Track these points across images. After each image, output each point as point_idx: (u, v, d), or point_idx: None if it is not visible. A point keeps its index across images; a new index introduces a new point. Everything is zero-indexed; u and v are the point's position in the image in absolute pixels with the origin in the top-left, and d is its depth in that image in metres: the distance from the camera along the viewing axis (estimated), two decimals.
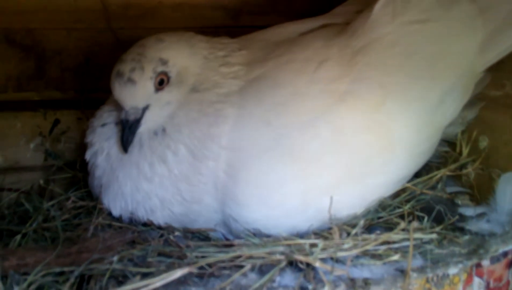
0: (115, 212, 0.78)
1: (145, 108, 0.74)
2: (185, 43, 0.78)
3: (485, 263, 0.64)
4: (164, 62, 0.74)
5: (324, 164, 0.72)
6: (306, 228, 0.72)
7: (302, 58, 0.77)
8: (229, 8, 1.08)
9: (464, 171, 0.82)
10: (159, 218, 0.76)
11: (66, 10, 0.99)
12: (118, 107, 0.78)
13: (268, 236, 0.71)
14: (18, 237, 0.74)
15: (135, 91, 0.72)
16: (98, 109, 0.86)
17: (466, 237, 0.70)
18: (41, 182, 0.92)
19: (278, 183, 0.72)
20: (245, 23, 1.09)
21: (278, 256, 0.59)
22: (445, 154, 0.86)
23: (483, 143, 0.83)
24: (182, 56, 0.76)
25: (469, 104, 0.82)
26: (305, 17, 0.93)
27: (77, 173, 0.95)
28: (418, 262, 0.63)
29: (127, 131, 0.73)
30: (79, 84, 1.03)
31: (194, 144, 0.73)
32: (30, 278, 0.59)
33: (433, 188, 0.81)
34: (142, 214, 0.76)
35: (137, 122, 0.74)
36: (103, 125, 0.80)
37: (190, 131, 0.74)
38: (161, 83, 0.74)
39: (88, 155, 0.81)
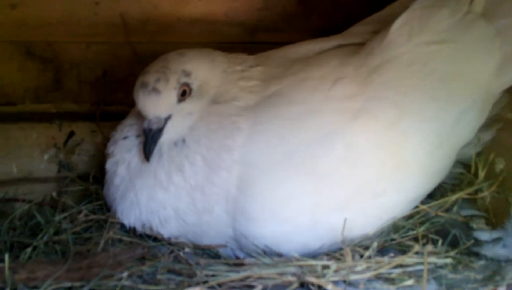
0: (128, 221, 0.78)
1: (168, 118, 0.76)
2: (205, 58, 0.81)
3: None
4: (187, 74, 0.76)
5: (335, 181, 0.72)
6: (317, 246, 0.72)
7: (318, 76, 0.77)
8: (245, 25, 1.09)
9: (480, 195, 0.80)
10: (173, 228, 0.76)
11: (86, 24, 1.01)
12: (139, 120, 0.79)
13: (278, 253, 0.71)
14: (29, 249, 0.74)
15: (159, 101, 0.74)
16: (112, 121, 0.88)
17: (482, 263, 0.68)
18: (54, 194, 0.93)
19: (288, 198, 0.72)
20: (261, 40, 1.10)
21: (290, 278, 0.58)
22: (460, 176, 0.85)
23: (500, 165, 0.82)
24: (203, 69, 0.79)
25: (485, 126, 0.81)
26: (321, 34, 0.93)
27: (89, 186, 0.95)
28: (432, 287, 0.62)
29: (150, 140, 0.75)
30: (95, 96, 1.04)
31: (210, 155, 0.74)
32: None
33: (447, 210, 0.80)
34: (156, 224, 0.77)
35: (159, 131, 0.75)
36: (125, 138, 0.82)
37: (208, 142, 0.75)
38: (184, 94, 0.76)
39: (109, 165, 0.82)
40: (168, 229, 0.77)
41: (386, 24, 0.86)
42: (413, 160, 0.74)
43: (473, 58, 0.77)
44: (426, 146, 0.75)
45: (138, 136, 0.81)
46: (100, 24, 1.02)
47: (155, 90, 0.74)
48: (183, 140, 0.77)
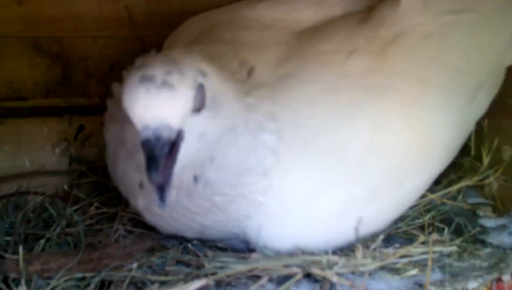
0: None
1: (180, 133, 0.52)
2: (217, 62, 0.63)
3: (506, 277, 0.62)
4: (203, 74, 0.55)
5: (365, 168, 0.66)
6: (342, 243, 0.67)
7: (328, 50, 0.70)
8: None
9: (486, 181, 0.80)
10: (186, 231, 0.70)
11: (92, 18, 1.02)
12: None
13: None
14: (42, 241, 0.75)
15: (173, 98, 0.51)
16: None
17: (487, 250, 0.68)
18: (65, 186, 0.94)
19: (313, 192, 0.65)
20: None
21: (295, 269, 0.59)
22: (463, 161, 0.84)
23: (507, 153, 0.81)
24: (216, 74, 0.59)
25: None
26: None
27: (99, 178, 0.97)
28: (437, 275, 0.62)
29: (162, 161, 0.49)
30: (103, 90, 1.05)
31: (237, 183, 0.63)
32: (53, 282, 0.61)
33: (453, 198, 0.79)
34: (174, 230, 0.70)
35: (172, 147, 0.50)
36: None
37: (236, 179, 0.62)
38: (199, 103, 0.54)
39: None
40: (185, 229, 0.69)
41: None
42: (438, 139, 0.70)
43: (489, 28, 0.74)
44: (449, 123, 0.71)
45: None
46: (106, 18, 1.02)
47: (167, 85, 0.51)
48: (206, 180, 0.59)
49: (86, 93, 1.05)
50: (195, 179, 0.59)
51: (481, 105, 0.76)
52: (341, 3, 0.81)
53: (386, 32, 0.71)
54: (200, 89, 0.54)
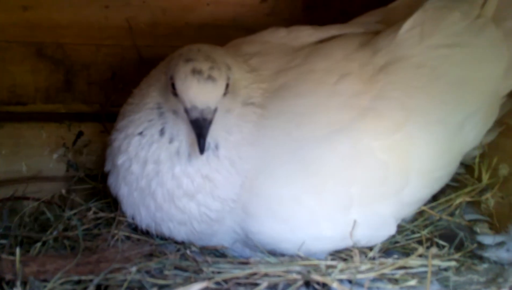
0: (133, 218, 0.77)
1: (215, 111, 0.69)
2: (231, 56, 0.77)
3: None
4: (229, 68, 0.72)
5: (338, 182, 0.72)
6: (317, 249, 0.71)
7: (323, 69, 0.76)
8: (252, 30, 1.08)
9: (483, 198, 0.81)
10: (181, 233, 0.76)
11: (97, 26, 1.03)
12: (162, 117, 0.74)
13: (282, 253, 0.70)
14: (39, 244, 0.75)
15: (215, 89, 0.69)
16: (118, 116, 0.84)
17: (485, 266, 0.69)
18: (63, 191, 0.94)
19: (290, 197, 0.71)
20: None
21: (295, 275, 0.59)
22: (462, 178, 0.85)
23: (503, 171, 0.83)
24: (234, 67, 0.75)
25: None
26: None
27: (97, 185, 0.97)
28: (435, 288, 0.62)
29: (205, 131, 0.67)
30: (104, 98, 1.05)
31: (237, 161, 0.72)
32: (49, 285, 0.60)
33: (451, 214, 0.80)
34: (166, 228, 0.76)
35: (210, 123, 0.69)
36: (140, 133, 0.75)
37: (239, 149, 0.73)
38: (226, 87, 0.71)
39: (121, 160, 0.76)
40: (175, 234, 0.76)
41: (390, 17, 0.87)
42: (417, 165, 0.74)
43: (482, 63, 0.77)
44: (430, 151, 0.74)
45: (161, 133, 0.74)
46: (110, 27, 1.04)
47: (211, 78, 0.68)
48: (217, 147, 0.72)
49: (87, 99, 1.06)
50: (208, 146, 0.71)
51: (471, 135, 0.78)
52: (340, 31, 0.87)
53: (379, 59, 0.76)
54: (228, 79, 0.71)
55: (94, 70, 1.05)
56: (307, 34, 0.85)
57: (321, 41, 0.85)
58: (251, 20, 1.10)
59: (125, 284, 0.61)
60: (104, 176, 0.92)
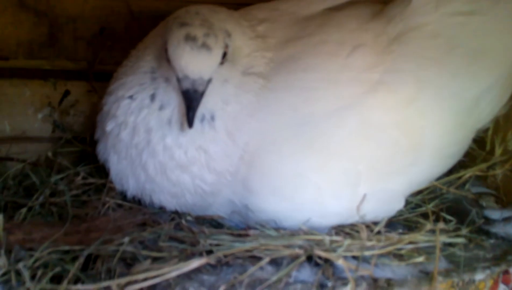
0: (123, 188, 0.75)
1: (209, 82, 0.66)
2: (235, 20, 0.73)
3: None
4: (228, 35, 0.68)
5: (346, 158, 0.69)
6: (322, 225, 0.69)
7: (335, 40, 0.72)
8: None
9: (491, 172, 0.78)
10: (172, 204, 0.73)
11: None
12: (155, 82, 0.70)
13: (283, 229, 0.68)
14: (24, 210, 0.71)
15: (209, 59, 0.64)
16: (109, 81, 0.80)
17: (492, 241, 0.67)
18: (50, 154, 0.89)
19: (295, 173, 0.68)
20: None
21: (297, 250, 0.56)
22: (470, 151, 0.83)
23: None
24: (237, 32, 0.71)
25: None
26: None
27: (86, 148, 0.92)
28: (442, 264, 0.61)
29: (195, 103, 0.64)
30: (91, 54, 0.99)
31: (234, 138, 0.69)
32: (36, 254, 0.56)
33: (457, 187, 0.78)
34: (156, 198, 0.73)
35: (201, 95, 0.65)
36: (131, 97, 0.72)
37: (235, 124, 0.69)
38: (223, 56, 0.67)
39: (110, 126, 0.73)
40: (166, 205, 0.73)
41: None
42: (429, 141, 0.71)
43: (501, 33, 0.74)
44: (443, 127, 0.72)
45: (152, 99, 0.70)
46: None
47: (206, 46, 0.64)
48: (212, 118, 0.69)
49: (73, 56, 0.99)
50: (203, 117, 0.69)
51: (485, 111, 0.75)
52: None
53: (393, 28, 0.72)
54: (226, 48, 0.67)
55: (81, 24, 0.98)
56: (318, 1, 0.81)
57: (333, 8, 0.80)
58: None
59: (118, 255, 0.58)
60: (93, 138, 0.88)
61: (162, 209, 0.75)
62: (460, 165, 0.81)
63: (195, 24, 0.65)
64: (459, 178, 0.78)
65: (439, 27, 0.72)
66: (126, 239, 0.58)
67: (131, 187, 0.74)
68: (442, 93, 0.71)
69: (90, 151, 0.89)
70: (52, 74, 0.98)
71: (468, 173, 0.77)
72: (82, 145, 0.93)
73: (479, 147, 0.83)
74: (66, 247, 0.59)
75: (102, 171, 0.83)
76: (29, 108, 0.97)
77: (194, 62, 0.64)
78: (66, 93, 0.99)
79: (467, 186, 0.78)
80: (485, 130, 0.82)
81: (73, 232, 0.61)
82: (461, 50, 0.72)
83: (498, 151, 0.79)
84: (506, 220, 0.70)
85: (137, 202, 0.76)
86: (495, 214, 0.72)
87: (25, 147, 0.95)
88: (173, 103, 0.69)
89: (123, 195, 0.76)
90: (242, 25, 0.73)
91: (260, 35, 0.74)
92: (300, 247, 0.57)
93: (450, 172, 0.79)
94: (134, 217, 0.67)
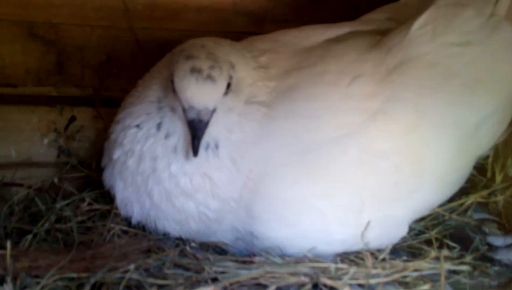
0: (128, 214, 0.75)
1: (213, 112, 0.68)
2: (238, 51, 0.75)
3: None
4: (232, 66, 0.70)
5: (348, 186, 0.70)
6: (327, 252, 0.69)
7: (336, 70, 0.74)
8: (253, 15, 1.07)
9: (493, 199, 0.79)
10: (176, 231, 0.73)
11: (92, 6, 0.98)
12: (161, 111, 0.72)
13: (287, 256, 0.68)
14: (29, 237, 0.71)
15: (214, 90, 0.66)
16: (114, 108, 0.82)
17: (496, 268, 0.67)
18: (55, 180, 0.90)
19: (297, 200, 0.69)
20: (268, 31, 1.06)
21: (303, 278, 0.56)
22: (471, 178, 0.83)
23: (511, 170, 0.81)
24: (239, 64, 0.73)
25: None
26: None
27: (91, 173, 0.93)
28: None
29: (200, 132, 0.66)
30: (98, 81, 1.01)
31: (239, 160, 0.70)
32: (43, 281, 0.56)
33: (459, 213, 0.78)
34: (161, 226, 0.73)
35: (206, 125, 0.67)
36: (137, 126, 0.73)
37: (241, 148, 0.70)
38: (228, 87, 0.69)
39: (117, 153, 0.74)
40: (170, 231, 0.73)
41: (401, 13, 0.84)
42: (431, 168, 0.72)
43: (497, 63, 0.75)
44: (445, 154, 0.72)
45: (158, 128, 0.72)
46: (106, 7, 0.99)
47: (211, 78, 0.66)
48: (216, 146, 0.70)
49: (80, 83, 1.01)
50: (207, 145, 0.70)
51: (484, 140, 0.76)
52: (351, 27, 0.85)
53: (392, 59, 0.74)
54: (230, 79, 0.69)
55: (88, 52, 1.00)
56: (318, 33, 0.83)
57: (332, 39, 0.82)
58: (252, 4, 1.07)
59: (123, 283, 0.58)
60: (98, 164, 0.89)
61: (166, 235, 0.75)
62: (461, 192, 0.81)
63: (201, 57, 0.67)
64: (461, 204, 0.79)
65: (437, 57, 0.74)
66: (132, 267, 0.58)
67: (136, 213, 0.74)
68: (442, 121, 0.72)
69: (95, 176, 0.90)
70: (59, 101, 1.00)
71: (470, 200, 0.78)
72: (87, 171, 0.94)
73: (480, 174, 0.84)
74: (72, 275, 0.59)
75: (107, 197, 0.83)
76: (35, 134, 0.98)
77: (199, 94, 0.66)
78: (72, 118, 1.01)
79: (469, 213, 0.78)
80: (485, 157, 0.83)
81: (79, 259, 0.62)
82: (459, 79, 0.73)
83: (498, 177, 0.80)
84: (509, 246, 0.70)
85: (142, 228, 0.76)
86: (498, 240, 0.72)
87: (30, 172, 0.96)
88: (179, 132, 0.71)
89: (128, 222, 0.77)
90: (245, 56, 0.76)
91: (262, 66, 0.76)
92: (306, 274, 0.57)
93: (452, 198, 0.80)
94: (139, 243, 0.67)
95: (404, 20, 0.79)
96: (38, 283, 0.57)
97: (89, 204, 0.80)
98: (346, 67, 0.74)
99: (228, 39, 0.79)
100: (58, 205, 0.79)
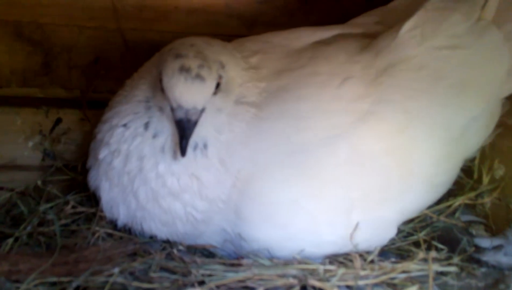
0: (113, 216, 0.74)
1: (202, 111, 0.67)
2: (229, 51, 0.75)
3: None
4: (222, 66, 0.70)
5: (338, 186, 0.70)
6: (316, 255, 0.69)
7: (326, 72, 0.74)
8: (244, 17, 1.07)
9: (480, 201, 0.79)
10: (163, 232, 0.72)
11: (80, 7, 0.97)
12: (149, 111, 0.72)
13: (276, 258, 0.67)
14: (10, 240, 0.69)
15: (203, 89, 0.66)
16: (102, 110, 0.80)
17: (483, 270, 0.67)
18: (39, 183, 0.88)
19: (286, 201, 0.69)
20: (260, 34, 1.07)
21: (291, 280, 0.55)
22: (458, 180, 0.84)
23: (499, 172, 0.81)
24: (230, 64, 0.72)
25: None
26: None
27: (76, 176, 0.91)
28: None
29: (188, 132, 0.65)
30: (85, 83, 1.00)
31: (228, 160, 0.69)
32: (23, 286, 0.55)
33: (447, 215, 0.78)
34: (147, 228, 0.72)
35: (194, 124, 0.66)
36: (124, 125, 0.72)
37: (228, 152, 0.70)
38: (217, 86, 0.68)
39: (102, 153, 0.73)
40: (157, 233, 0.73)
41: (389, 17, 0.85)
42: (419, 170, 0.72)
43: (484, 66, 0.76)
44: (433, 156, 0.73)
45: (146, 127, 0.71)
46: (95, 8, 0.97)
47: (200, 77, 0.65)
48: (205, 146, 0.70)
49: (66, 84, 1.00)
50: (196, 145, 0.69)
51: (471, 142, 0.77)
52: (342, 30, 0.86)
53: (381, 61, 0.74)
54: (219, 78, 0.68)
55: (76, 53, 0.99)
56: (309, 35, 0.83)
57: (323, 42, 0.82)
58: (243, 7, 1.06)
59: (107, 287, 0.57)
60: (84, 167, 0.87)
61: (153, 238, 0.74)
62: (449, 194, 0.82)
63: (190, 56, 0.67)
64: (449, 206, 0.79)
65: (425, 59, 0.74)
66: (116, 270, 0.57)
67: (122, 215, 0.73)
68: (430, 122, 0.73)
69: (81, 179, 0.88)
70: (45, 102, 0.99)
71: (457, 202, 0.78)
72: (72, 173, 0.93)
73: (467, 176, 0.84)
74: (54, 279, 0.58)
75: (92, 200, 0.82)
76: (20, 136, 0.97)
77: (188, 93, 0.65)
78: (58, 121, 0.99)
79: (457, 215, 0.78)
80: (472, 159, 0.83)
81: (61, 263, 0.60)
82: (447, 82, 0.74)
83: (485, 179, 0.81)
84: (496, 248, 0.70)
85: (128, 231, 0.75)
86: (485, 242, 0.72)
87: (13, 175, 0.95)
88: (167, 132, 0.70)
89: (113, 225, 0.75)
90: (235, 57, 0.75)
91: (253, 66, 0.76)
92: (294, 276, 0.57)
93: (440, 200, 0.80)
94: (125, 247, 0.66)
95: (393, 24, 0.79)
96: (18, 288, 0.55)
97: (74, 207, 0.78)
98: (336, 68, 0.74)
99: (218, 39, 0.78)
100: (41, 208, 0.77)
